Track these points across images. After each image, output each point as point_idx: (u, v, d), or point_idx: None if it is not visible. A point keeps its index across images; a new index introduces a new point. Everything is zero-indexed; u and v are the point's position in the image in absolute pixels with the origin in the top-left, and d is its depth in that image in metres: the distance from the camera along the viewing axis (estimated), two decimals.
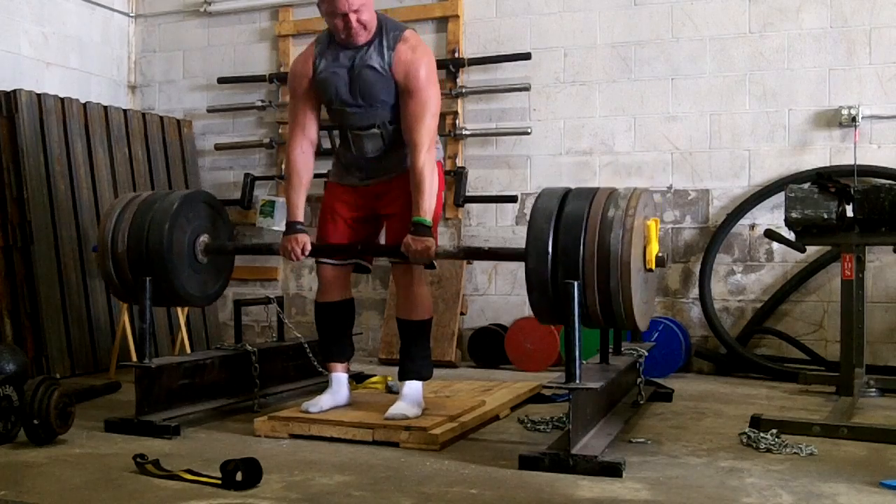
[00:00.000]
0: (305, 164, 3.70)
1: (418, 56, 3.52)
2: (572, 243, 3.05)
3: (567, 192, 3.22)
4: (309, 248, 3.67)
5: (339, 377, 3.82)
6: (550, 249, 3.07)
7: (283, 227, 3.80)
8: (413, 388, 3.69)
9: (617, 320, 3.12)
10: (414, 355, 3.74)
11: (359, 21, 3.46)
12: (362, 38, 3.52)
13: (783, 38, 5.34)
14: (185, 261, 3.85)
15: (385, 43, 3.54)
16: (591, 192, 3.19)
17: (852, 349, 4.12)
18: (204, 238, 3.96)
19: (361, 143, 3.66)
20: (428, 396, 3.98)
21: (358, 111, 3.60)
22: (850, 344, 4.12)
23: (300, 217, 3.69)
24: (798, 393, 4.61)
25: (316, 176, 3.96)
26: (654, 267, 3.19)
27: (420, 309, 3.73)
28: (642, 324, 3.21)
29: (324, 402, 3.68)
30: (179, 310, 5.60)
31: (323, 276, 3.82)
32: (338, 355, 3.86)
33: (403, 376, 3.73)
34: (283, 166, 3.82)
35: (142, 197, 3.95)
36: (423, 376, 3.76)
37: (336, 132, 3.78)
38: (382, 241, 3.88)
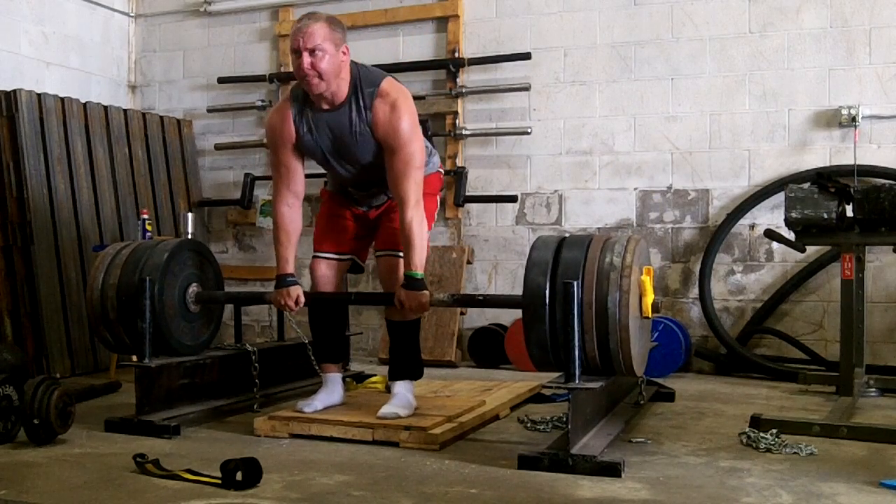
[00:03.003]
0: (293, 219, 3.65)
1: (397, 113, 3.41)
2: (569, 297, 3.04)
3: (561, 242, 3.22)
4: (303, 300, 3.65)
5: (333, 377, 3.82)
6: (548, 303, 3.08)
7: (276, 262, 3.79)
8: (404, 388, 3.69)
9: (615, 367, 3.15)
10: (404, 355, 3.75)
11: (313, 66, 3.33)
12: (316, 86, 3.37)
13: (783, 38, 5.35)
14: (177, 315, 3.88)
15: (362, 103, 3.44)
16: (586, 241, 3.20)
17: (852, 349, 4.12)
18: (194, 287, 3.98)
19: (357, 190, 3.72)
20: (428, 396, 3.99)
21: (347, 170, 3.61)
22: (850, 344, 4.11)
23: (290, 270, 3.65)
24: (798, 393, 4.61)
25: (313, 176, 3.97)
26: (650, 315, 3.23)
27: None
28: (639, 369, 3.26)
29: (318, 401, 3.68)
30: None
31: (316, 275, 3.78)
32: (332, 356, 3.86)
33: (394, 376, 3.74)
34: (271, 221, 3.79)
35: (127, 252, 3.92)
36: (414, 376, 3.77)
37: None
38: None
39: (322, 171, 3.82)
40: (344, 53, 3.41)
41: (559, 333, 3.07)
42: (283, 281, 3.64)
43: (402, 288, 3.48)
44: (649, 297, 3.20)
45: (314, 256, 3.80)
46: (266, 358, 4.26)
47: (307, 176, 3.78)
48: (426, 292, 3.48)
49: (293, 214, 3.64)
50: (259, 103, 6.38)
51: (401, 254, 3.58)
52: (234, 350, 4.16)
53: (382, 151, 3.47)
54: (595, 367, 3.15)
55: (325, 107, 3.47)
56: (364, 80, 3.46)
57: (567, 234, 3.31)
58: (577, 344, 3.05)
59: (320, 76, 3.35)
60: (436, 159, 3.80)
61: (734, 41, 5.44)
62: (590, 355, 3.10)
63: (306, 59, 3.33)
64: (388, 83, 3.47)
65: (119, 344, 3.92)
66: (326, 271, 3.78)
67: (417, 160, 3.45)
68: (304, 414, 3.57)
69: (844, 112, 5.15)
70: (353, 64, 3.49)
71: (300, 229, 3.70)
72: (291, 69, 3.75)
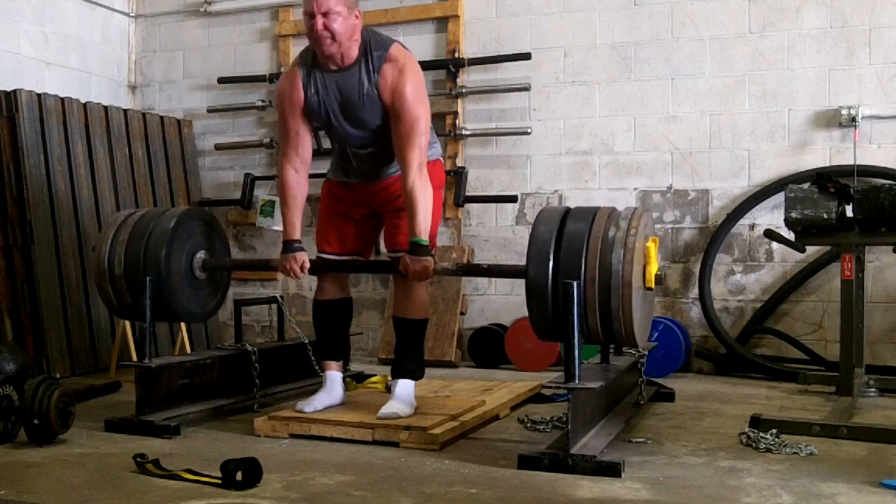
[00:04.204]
0: (300, 183, 3.66)
1: (404, 77, 3.45)
2: (574, 264, 3.06)
3: (567, 212, 3.23)
4: (308, 265, 3.67)
5: (334, 376, 3.82)
6: (551, 269, 3.08)
7: (282, 227, 3.80)
8: (405, 387, 3.69)
9: (617, 338, 3.16)
10: (408, 355, 3.75)
11: (326, 27, 3.37)
12: (328, 47, 3.41)
13: (783, 38, 5.35)
14: (183, 279, 3.89)
15: (371, 65, 3.47)
16: (591, 213, 3.21)
17: (852, 349, 4.12)
18: (201, 255, 3.99)
19: (360, 159, 3.68)
20: (428, 396, 3.99)
21: (353, 134, 3.60)
22: (850, 344, 4.11)
23: (297, 236, 3.67)
24: (798, 393, 4.61)
25: (314, 176, 3.97)
26: (653, 286, 3.23)
27: (417, 309, 3.74)
28: (641, 341, 3.25)
29: (318, 401, 3.68)
30: None
31: (321, 275, 3.81)
32: (334, 354, 3.86)
33: (396, 375, 3.75)
34: (277, 186, 3.80)
35: (136, 217, 3.96)
36: (416, 376, 3.77)
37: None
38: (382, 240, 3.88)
39: (322, 171, 3.82)
40: (357, 17, 3.45)
41: (561, 309, 3.06)
42: (290, 247, 3.66)
43: (407, 254, 3.48)
44: (653, 267, 3.19)
45: (318, 257, 3.80)
46: (266, 358, 4.26)
47: (308, 176, 3.81)
48: (430, 259, 3.49)
49: (300, 179, 3.67)
50: (259, 103, 6.38)
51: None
52: (234, 350, 4.16)
53: (388, 116, 3.50)
54: (597, 337, 3.15)
55: (334, 68, 3.50)
56: (374, 44, 3.50)
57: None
58: (577, 344, 3.05)
59: (333, 37, 3.39)
60: (437, 147, 3.81)
61: (734, 41, 5.44)
62: (592, 325, 3.10)
63: (319, 20, 3.37)
64: (397, 49, 3.53)
65: (121, 303, 3.90)
66: (330, 274, 3.80)
67: (422, 126, 3.48)
68: (304, 414, 3.58)
69: (844, 112, 5.15)
70: (364, 28, 3.53)
71: (306, 194, 3.72)
72: (285, 71, 3.77)
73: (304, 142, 3.65)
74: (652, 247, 3.18)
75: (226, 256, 4.20)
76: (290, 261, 3.65)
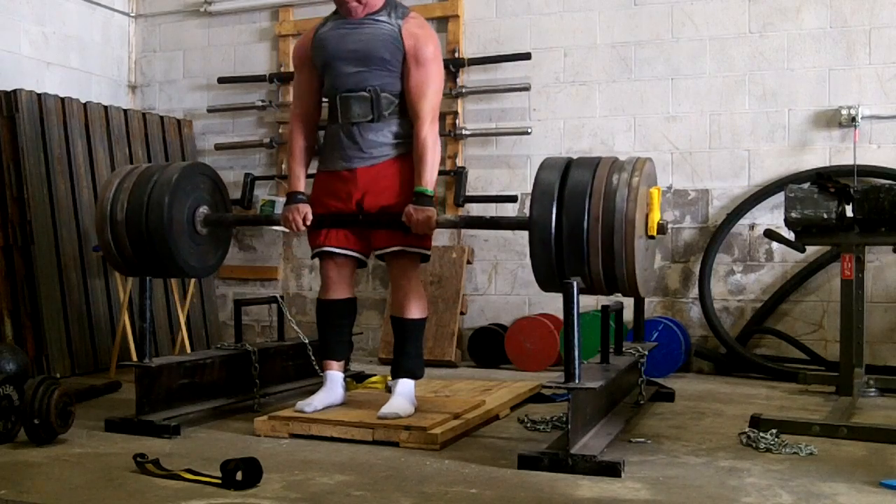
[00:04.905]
0: (305, 135, 3.78)
1: (427, 32, 3.63)
2: (577, 205, 3.08)
3: (570, 161, 3.25)
4: (310, 217, 3.68)
5: (335, 375, 3.81)
6: (555, 213, 3.10)
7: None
8: (405, 386, 3.69)
9: (619, 285, 3.16)
10: (408, 354, 3.75)
11: None
12: (359, 11, 3.58)
13: (783, 38, 5.35)
14: (184, 233, 3.85)
15: (394, 14, 3.61)
16: (595, 161, 3.23)
17: (852, 349, 4.12)
18: (203, 210, 3.96)
19: (349, 107, 3.63)
20: (428, 396, 3.99)
21: (351, 70, 3.60)
22: (850, 344, 4.12)
23: (301, 187, 3.74)
24: (798, 393, 4.61)
25: (314, 176, 3.96)
26: (655, 234, 3.23)
27: (415, 308, 3.73)
28: (643, 290, 3.24)
29: (318, 401, 3.68)
30: (180, 309, 5.61)
31: (326, 274, 3.80)
32: (335, 354, 3.86)
33: (396, 374, 3.74)
34: (287, 135, 3.89)
35: (140, 169, 3.94)
36: (416, 375, 3.76)
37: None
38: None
39: (314, 171, 3.81)
40: None
41: (564, 257, 3.10)
42: (294, 198, 3.72)
43: (411, 204, 3.52)
44: (656, 214, 3.20)
45: (321, 260, 3.78)
46: (266, 358, 4.27)
47: (309, 176, 3.81)
48: (433, 209, 3.53)
49: (306, 131, 3.80)
50: (259, 103, 6.38)
51: (408, 248, 3.65)
52: (234, 350, 4.15)
53: (399, 56, 3.58)
54: (599, 285, 3.16)
55: (355, 18, 3.61)
56: (395, 2, 3.67)
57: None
58: (577, 344, 3.05)
59: (361, 2, 3.57)
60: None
61: (734, 41, 5.44)
62: (594, 271, 3.11)
63: None
64: (418, 15, 3.71)
65: (121, 253, 3.84)
66: (335, 274, 3.78)
67: (437, 83, 3.61)
68: (304, 414, 3.57)
69: (844, 112, 5.15)
70: None
71: (314, 147, 3.81)
72: (292, 68, 3.78)
73: (312, 94, 3.78)
74: (655, 193, 3.20)
75: (228, 212, 4.16)
76: (293, 211, 3.68)
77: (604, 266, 3.10)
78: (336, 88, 3.66)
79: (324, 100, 3.82)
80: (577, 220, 3.07)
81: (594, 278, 3.14)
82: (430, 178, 3.53)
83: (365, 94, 3.61)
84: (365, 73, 3.59)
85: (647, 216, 3.18)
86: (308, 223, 3.68)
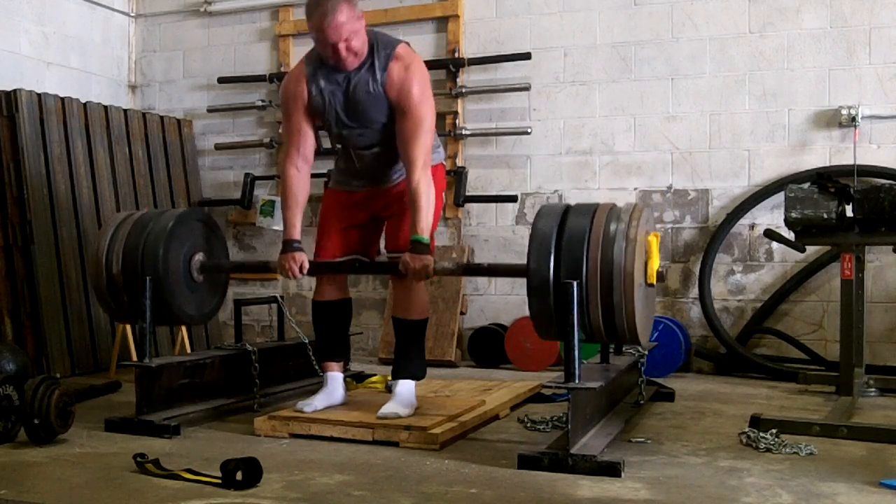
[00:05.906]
0: (301, 182, 3.66)
1: (410, 74, 3.50)
2: (575, 257, 3.05)
3: (567, 209, 3.22)
4: (307, 266, 3.65)
5: (335, 376, 3.82)
6: (552, 264, 3.06)
7: (283, 226, 3.80)
8: (406, 387, 3.69)
9: (619, 334, 3.12)
10: (409, 355, 3.75)
11: (348, 49, 3.43)
12: (352, 63, 3.49)
13: (783, 38, 5.35)
14: (181, 281, 3.86)
15: (377, 63, 3.50)
16: (592, 208, 3.19)
17: (852, 349, 4.12)
18: (199, 257, 3.96)
19: (364, 160, 3.68)
20: (428, 396, 3.99)
21: (357, 132, 3.60)
22: (850, 344, 4.12)
23: (297, 236, 3.66)
24: (798, 393, 4.61)
25: (316, 176, 3.96)
26: (654, 282, 3.21)
27: (417, 309, 3.74)
28: (643, 338, 3.22)
29: (318, 401, 3.68)
30: None
31: (320, 276, 3.81)
32: (334, 355, 3.86)
33: (397, 375, 3.74)
34: (279, 185, 3.80)
35: (135, 217, 3.93)
36: (417, 376, 3.76)
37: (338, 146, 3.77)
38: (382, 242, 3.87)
39: (321, 170, 3.82)
40: (361, 19, 3.49)
41: (562, 307, 3.05)
42: (290, 246, 3.64)
43: (407, 252, 3.48)
44: (655, 262, 3.17)
45: (317, 258, 3.80)
46: (266, 358, 4.26)
47: (310, 175, 3.81)
48: (431, 257, 3.49)
49: (302, 178, 3.67)
50: (259, 103, 6.38)
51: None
52: (234, 350, 4.15)
53: (394, 115, 3.52)
54: (599, 334, 3.13)
55: (345, 71, 3.54)
56: (381, 44, 3.55)
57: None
58: (577, 343, 3.05)
59: (355, 54, 3.48)
60: (441, 152, 3.82)
61: (734, 41, 5.44)
62: (594, 321, 3.08)
63: (342, 48, 3.42)
64: (404, 48, 3.58)
65: (118, 304, 3.85)
66: (328, 275, 3.79)
67: (427, 124, 3.50)
68: (304, 414, 3.57)
69: (844, 112, 5.15)
70: (369, 29, 3.57)
71: (308, 193, 3.73)
72: (292, 69, 3.77)
73: (307, 139, 3.66)
74: (653, 241, 3.17)
75: (224, 257, 4.17)
76: (289, 260, 3.63)
77: (604, 316, 3.08)
78: (345, 140, 3.67)
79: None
80: (575, 272, 3.02)
81: (594, 327, 3.11)
82: (425, 224, 3.45)
83: (376, 149, 3.64)
84: (370, 132, 3.60)
85: (645, 264, 3.15)
86: (304, 272, 3.65)
